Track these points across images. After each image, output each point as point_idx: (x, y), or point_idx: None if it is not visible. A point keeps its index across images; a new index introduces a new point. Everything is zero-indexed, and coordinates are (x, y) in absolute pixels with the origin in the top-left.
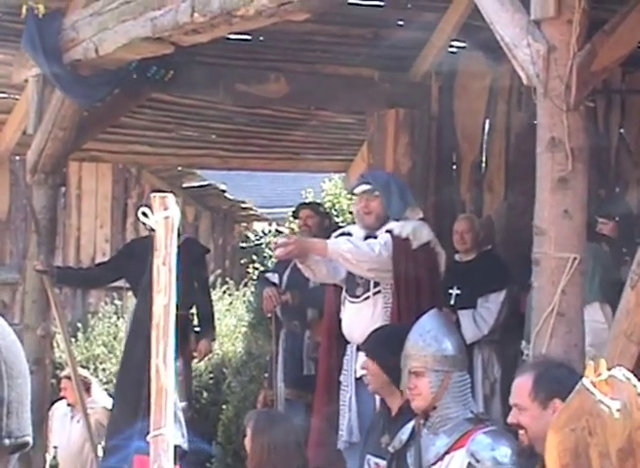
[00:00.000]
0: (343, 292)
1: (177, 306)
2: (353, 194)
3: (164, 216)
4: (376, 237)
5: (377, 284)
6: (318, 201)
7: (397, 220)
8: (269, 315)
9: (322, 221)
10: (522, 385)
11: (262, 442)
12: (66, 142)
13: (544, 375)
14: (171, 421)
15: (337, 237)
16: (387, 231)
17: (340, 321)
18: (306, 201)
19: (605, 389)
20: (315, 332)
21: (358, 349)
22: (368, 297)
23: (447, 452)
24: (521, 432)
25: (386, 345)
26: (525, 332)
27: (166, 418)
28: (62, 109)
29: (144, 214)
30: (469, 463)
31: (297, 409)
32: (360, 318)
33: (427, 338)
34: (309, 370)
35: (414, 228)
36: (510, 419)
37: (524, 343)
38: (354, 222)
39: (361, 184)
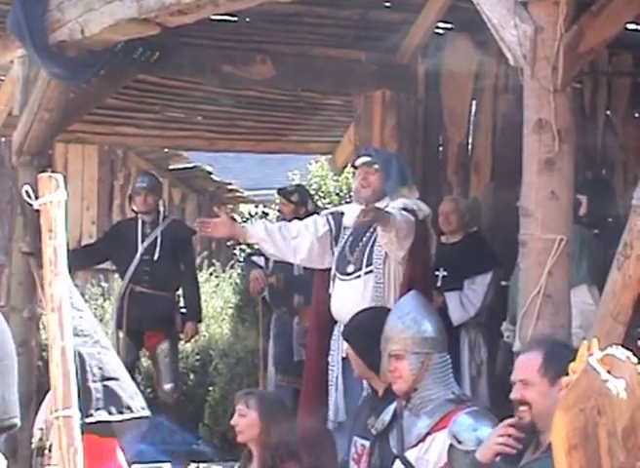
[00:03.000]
0: (333, 270)
1: (163, 288)
2: (354, 167)
3: (53, 199)
4: None
5: (369, 263)
6: (303, 182)
7: (392, 199)
8: (262, 296)
9: (296, 210)
10: (530, 361)
11: (278, 420)
12: (52, 124)
13: (554, 353)
14: (76, 402)
15: (329, 214)
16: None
17: (327, 301)
18: (286, 186)
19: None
20: (303, 318)
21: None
22: (359, 276)
23: (429, 433)
24: (523, 408)
25: (360, 330)
26: (509, 314)
27: (72, 399)
28: (48, 91)
29: (28, 194)
30: (451, 444)
31: (288, 394)
32: (349, 296)
33: (406, 321)
34: (300, 356)
35: (414, 202)
36: (514, 395)
37: (504, 325)
38: (341, 204)
39: (363, 157)
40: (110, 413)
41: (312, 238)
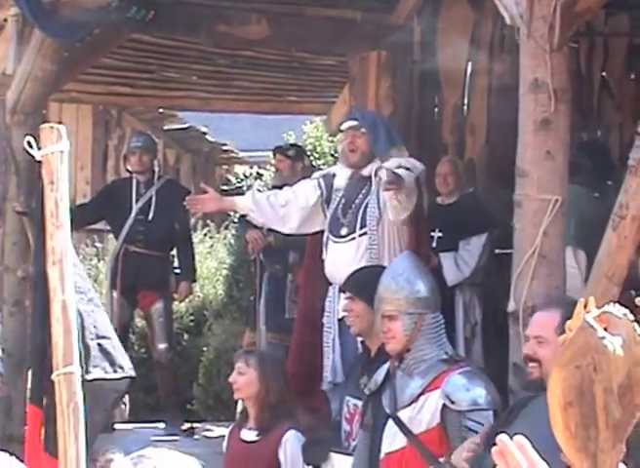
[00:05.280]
0: (326, 233)
1: (157, 248)
2: (340, 131)
3: (55, 150)
4: (365, 177)
5: (363, 225)
6: (298, 143)
7: (382, 161)
8: (253, 257)
9: (293, 165)
10: (548, 319)
11: (277, 381)
12: (46, 83)
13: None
14: (77, 359)
15: (321, 177)
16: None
17: (320, 262)
18: (282, 144)
19: (600, 326)
20: (297, 276)
21: (340, 290)
22: (353, 238)
23: (422, 394)
24: (533, 365)
25: (373, 284)
26: None
27: (73, 355)
28: (42, 49)
29: (30, 144)
30: (444, 404)
31: (279, 352)
32: (344, 258)
33: (400, 281)
34: (291, 314)
35: (407, 160)
36: (527, 351)
37: None
38: (335, 164)
39: (348, 120)
40: (106, 372)
41: (302, 206)
